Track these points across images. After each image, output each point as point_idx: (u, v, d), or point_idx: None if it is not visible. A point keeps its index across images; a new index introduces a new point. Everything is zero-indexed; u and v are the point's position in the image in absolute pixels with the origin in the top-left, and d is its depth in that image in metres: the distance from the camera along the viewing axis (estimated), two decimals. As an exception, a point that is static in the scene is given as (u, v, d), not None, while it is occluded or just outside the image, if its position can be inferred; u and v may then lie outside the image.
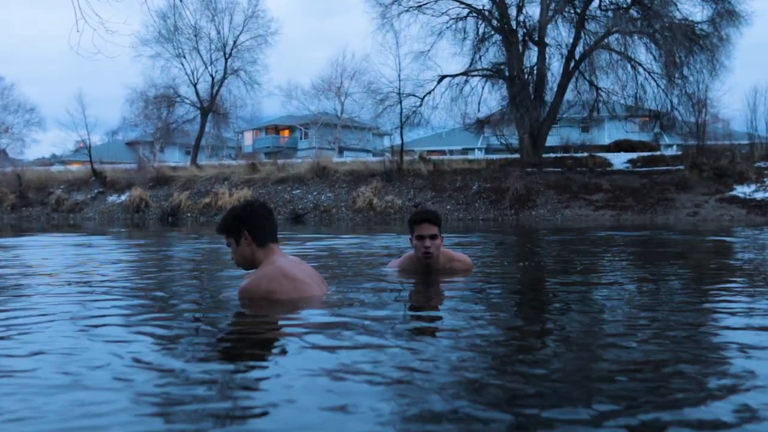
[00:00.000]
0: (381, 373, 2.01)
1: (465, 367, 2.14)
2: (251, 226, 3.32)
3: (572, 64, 26.46)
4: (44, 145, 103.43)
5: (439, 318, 3.13)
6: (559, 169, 25.20)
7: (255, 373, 2.11)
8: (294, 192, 25.68)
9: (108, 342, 2.52)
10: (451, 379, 1.97)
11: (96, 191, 28.15)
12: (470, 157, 33.08)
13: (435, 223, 4.40)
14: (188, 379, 2.00)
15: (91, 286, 4.36)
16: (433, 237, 4.36)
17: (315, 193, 25.36)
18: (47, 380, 1.99)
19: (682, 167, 23.69)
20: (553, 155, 27.91)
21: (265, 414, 1.70)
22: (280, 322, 2.97)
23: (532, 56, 27.49)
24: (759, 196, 21.54)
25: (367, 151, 46.86)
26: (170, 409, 1.72)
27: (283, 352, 2.42)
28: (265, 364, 2.26)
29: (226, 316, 3.25)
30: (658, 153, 28.40)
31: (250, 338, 2.73)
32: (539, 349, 2.47)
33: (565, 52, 26.90)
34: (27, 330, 2.75)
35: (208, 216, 24.41)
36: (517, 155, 27.77)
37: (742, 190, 21.96)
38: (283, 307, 3.13)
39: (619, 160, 26.54)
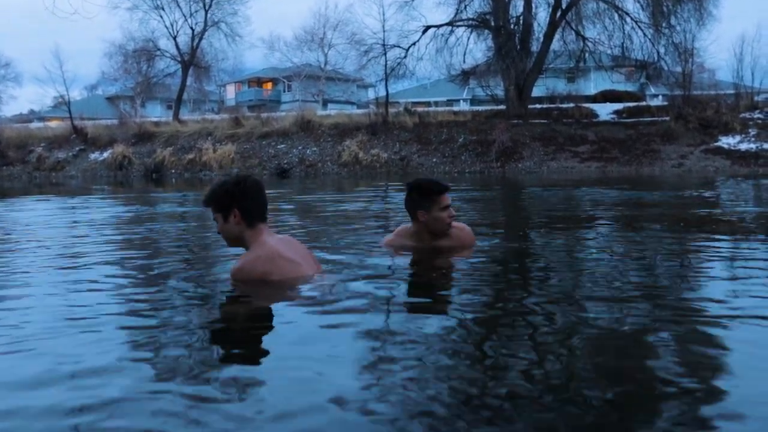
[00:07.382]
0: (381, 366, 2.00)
1: (476, 359, 2.13)
2: (242, 204, 3.14)
3: (559, 14, 26.11)
4: (22, 101, 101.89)
5: (439, 304, 2.96)
6: (545, 121, 25.10)
7: (244, 362, 2.09)
8: (279, 146, 25.45)
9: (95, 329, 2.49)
10: (455, 374, 1.95)
11: (77, 149, 27.73)
12: (455, 108, 32.77)
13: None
14: (178, 365, 1.97)
15: (75, 260, 4.29)
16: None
17: (300, 148, 25.15)
18: (24, 363, 1.96)
19: (667, 118, 23.66)
20: (539, 106, 27.74)
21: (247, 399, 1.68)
22: (275, 305, 2.92)
23: (518, 6, 27.13)
24: (743, 146, 21.62)
25: (352, 104, 46.28)
26: (156, 398, 1.70)
27: (277, 337, 2.41)
28: (256, 351, 2.24)
29: (219, 297, 3.20)
30: (643, 103, 28.27)
31: (242, 323, 2.70)
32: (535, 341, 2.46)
33: (551, 1, 26.50)
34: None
35: (192, 172, 24.23)
36: (502, 106, 27.58)
37: (727, 141, 22.02)
38: (277, 289, 3.05)
39: (605, 110, 26.45)
